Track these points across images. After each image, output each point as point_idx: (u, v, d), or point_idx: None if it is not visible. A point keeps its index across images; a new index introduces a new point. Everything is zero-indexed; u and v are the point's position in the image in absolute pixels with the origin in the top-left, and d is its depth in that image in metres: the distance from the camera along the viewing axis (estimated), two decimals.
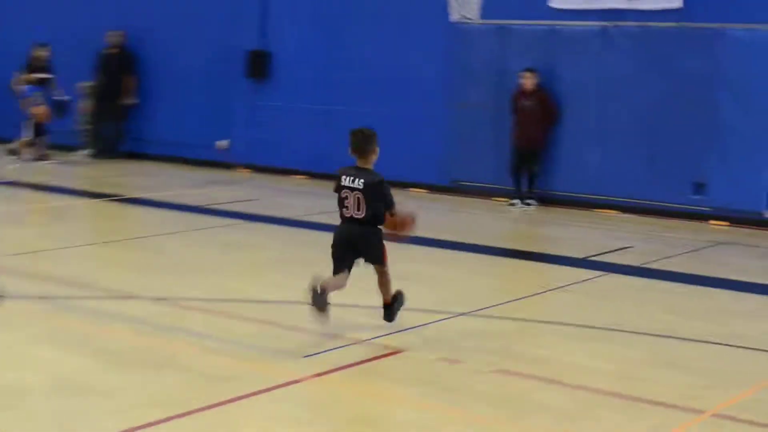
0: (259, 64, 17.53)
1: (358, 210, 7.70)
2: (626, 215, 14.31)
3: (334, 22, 16.86)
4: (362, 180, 7.66)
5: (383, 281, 7.88)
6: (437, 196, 15.55)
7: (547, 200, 14.90)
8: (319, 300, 7.49)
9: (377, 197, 7.68)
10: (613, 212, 14.41)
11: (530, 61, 14.81)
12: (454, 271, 10.40)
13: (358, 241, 7.73)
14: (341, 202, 7.78)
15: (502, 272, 10.94)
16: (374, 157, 7.79)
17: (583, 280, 10.13)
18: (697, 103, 13.72)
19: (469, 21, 12.68)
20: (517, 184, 14.81)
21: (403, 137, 15.92)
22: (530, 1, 14.90)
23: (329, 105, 16.82)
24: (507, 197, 14.93)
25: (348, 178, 7.73)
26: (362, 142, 7.77)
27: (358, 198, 7.68)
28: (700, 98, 13.69)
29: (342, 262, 7.74)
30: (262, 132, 17.75)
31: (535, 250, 12.09)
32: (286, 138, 17.44)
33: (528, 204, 14.68)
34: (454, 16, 12.77)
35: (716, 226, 13.62)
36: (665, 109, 13.99)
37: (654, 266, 10.90)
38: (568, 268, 10.75)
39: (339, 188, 7.77)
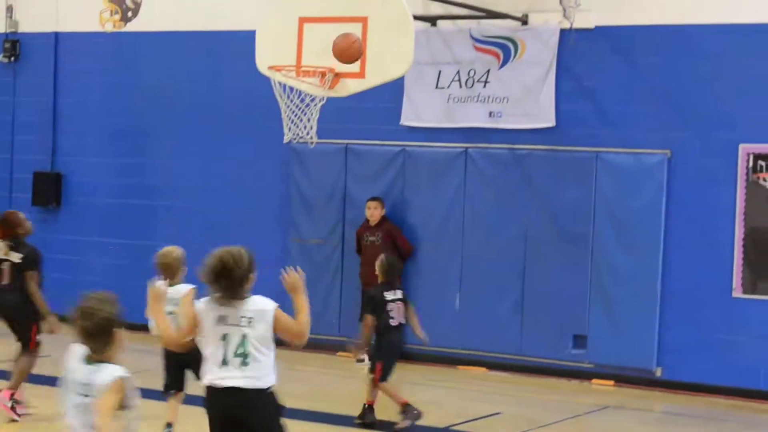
0: (47, 189, 17.40)
1: (400, 315, 11.27)
2: (495, 373, 14.54)
3: (138, 138, 16.92)
4: (399, 290, 11.40)
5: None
6: None
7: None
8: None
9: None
10: (479, 369, 14.62)
11: (379, 188, 15.14)
12: None
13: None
14: (387, 315, 11.12)
15: None
16: None
17: None
18: (573, 238, 14.19)
19: (305, 141, 12.89)
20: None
21: None
22: (379, 118, 15.28)
23: (134, 239, 16.73)
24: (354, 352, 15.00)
25: (389, 293, 11.22)
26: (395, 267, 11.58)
27: (399, 306, 11.23)
28: (577, 233, 14.16)
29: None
30: (49, 271, 17.42)
31: (385, 418, 12.14)
32: (81, 280, 17.20)
33: None
34: (288, 135, 12.95)
35: (600, 386, 13.97)
36: (538, 246, 14.40)
37: None
38: None
39: (383, 303, 11.10)
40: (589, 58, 14.25)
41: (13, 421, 10.83)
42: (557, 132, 14.38)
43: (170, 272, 9.51)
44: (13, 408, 11.00)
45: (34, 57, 17.83)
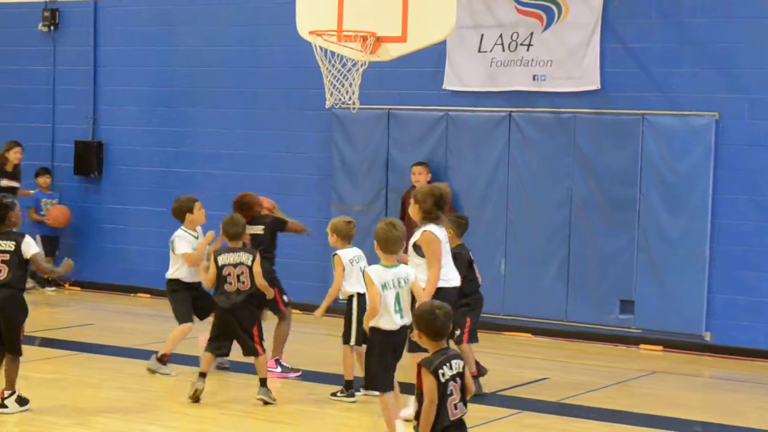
0: (88, 158, 17.51)
1: None
2: (540, 339, 14.56)
3: (179, 106, 17.00)
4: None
5: None
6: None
7: None
8: None
9: None
10: (524, 335, 14.64)
11: (422, 153, 15.13)
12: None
13: None
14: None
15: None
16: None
17: (490, 421, 10.23)
18: (620, 202, 14.16)
19: (347, 107, 12.90)
20: None
21: None
22: (422, 83, 15.28)
23: None
24: None
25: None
26: None
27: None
28: (624, 197, 14.12)
29: None
30: (93, 240, 17.65)
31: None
32: (124, 248, 17.36)
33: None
34: (330, 101, 12.97)
35: (647, 351, 13.96)
36: (583, 210, 14.37)
37: (574, 401, 11.09)
38: (471, 405, 10.82)
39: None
40: (634, 20, 14.17)
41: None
42: (602, 95, 14.32)
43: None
44: (284, 369, 11.91)
45: (73, 25, 17.92)
